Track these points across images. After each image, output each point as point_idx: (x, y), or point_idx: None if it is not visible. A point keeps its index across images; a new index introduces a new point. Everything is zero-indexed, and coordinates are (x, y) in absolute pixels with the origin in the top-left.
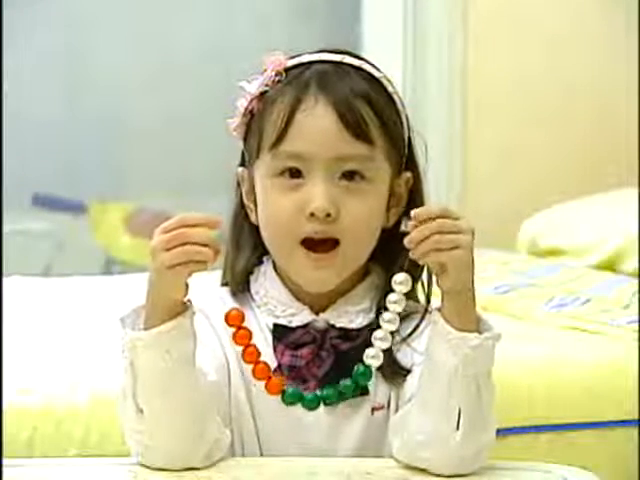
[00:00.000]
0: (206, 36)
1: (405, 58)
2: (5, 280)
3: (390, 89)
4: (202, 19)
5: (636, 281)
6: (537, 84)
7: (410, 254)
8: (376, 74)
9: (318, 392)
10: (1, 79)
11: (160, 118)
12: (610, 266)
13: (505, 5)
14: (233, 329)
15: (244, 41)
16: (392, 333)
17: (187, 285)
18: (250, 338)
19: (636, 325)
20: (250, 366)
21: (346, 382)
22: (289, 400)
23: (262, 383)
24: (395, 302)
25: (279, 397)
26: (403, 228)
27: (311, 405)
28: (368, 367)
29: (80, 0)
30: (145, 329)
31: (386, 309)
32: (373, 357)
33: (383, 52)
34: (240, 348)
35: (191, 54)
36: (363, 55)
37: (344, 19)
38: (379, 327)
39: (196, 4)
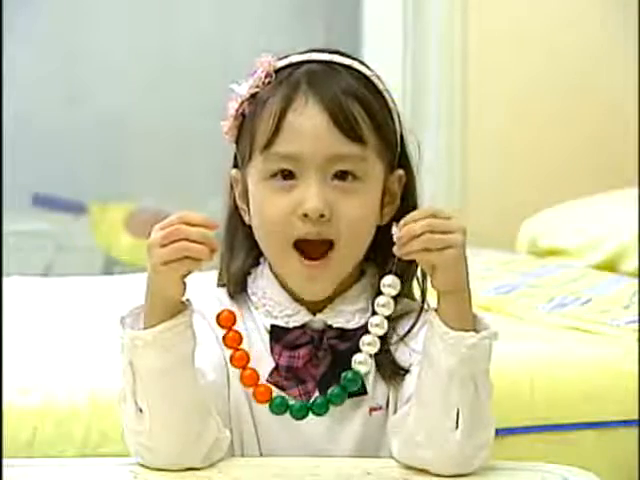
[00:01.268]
0: (206, 36)
1: (405, 58)
2: (5, 280)
3: (381, 87)
4: (202, 19)
5: (636, 281)
6: (538, 84)
7: (395, 250)
8: (366, 72)
9: (315, 397)
10: (1, 79)
11: (160, 118)
12: (610, 266)
13: (505, 5)
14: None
15: (244, 41)
16: (384, 336)
17: (185, 284)
18: (240, 342)
19: (636, 325)
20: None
21: (334, 390)
22: (276, 410)
23: (250, 391)
24: (383, 305)
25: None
26: (394, 232)
27: (298, 415)
28: (357, 373)
29: (80, 0)
30: (144, 329)
31: (375, 313)
32: (361, 363)
33: (383, 52)
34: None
35: (191, 54)
36: (363, 55)
37: (344, 19)
38: (367, 331)
39: (196, 4)
